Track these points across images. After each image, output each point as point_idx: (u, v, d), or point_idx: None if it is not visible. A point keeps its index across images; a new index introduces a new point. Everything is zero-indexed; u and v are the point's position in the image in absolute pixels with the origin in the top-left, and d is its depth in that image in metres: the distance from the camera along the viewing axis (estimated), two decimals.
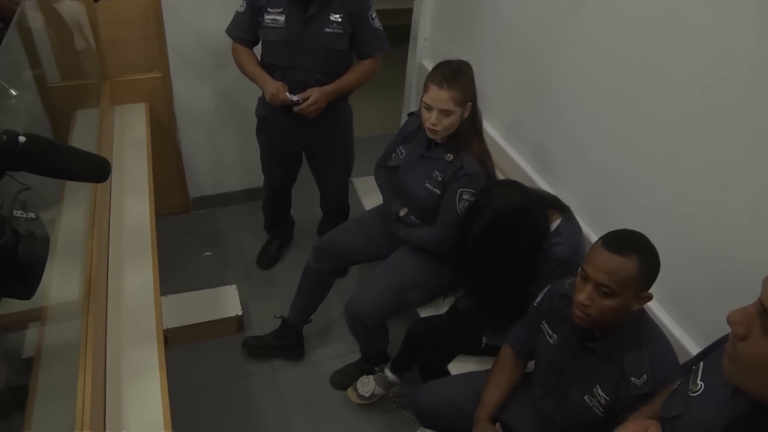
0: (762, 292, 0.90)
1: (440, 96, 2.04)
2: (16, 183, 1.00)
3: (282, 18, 2.43)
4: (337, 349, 2.87)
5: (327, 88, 2.49)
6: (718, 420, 1.07)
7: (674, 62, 1.71)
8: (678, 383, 1.28)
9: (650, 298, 1.52)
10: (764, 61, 1.45)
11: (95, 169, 1.19)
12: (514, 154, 2.58)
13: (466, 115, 2.10)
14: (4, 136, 0.96)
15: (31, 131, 1.06)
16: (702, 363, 1.23)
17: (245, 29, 2.53)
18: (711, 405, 1.12)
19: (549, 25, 2.25)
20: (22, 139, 0.98)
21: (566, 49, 2.17)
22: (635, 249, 1.47)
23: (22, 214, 1.01)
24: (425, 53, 3.25)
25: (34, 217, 1.02)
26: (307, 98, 2.44)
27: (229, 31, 2.57)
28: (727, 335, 1.23)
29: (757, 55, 1.47)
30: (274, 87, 2.45)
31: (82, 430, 1.37)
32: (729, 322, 0.94)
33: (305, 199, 3.39)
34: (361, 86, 2.64)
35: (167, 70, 3.03)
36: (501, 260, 1.98)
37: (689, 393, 1.19)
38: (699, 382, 1.19)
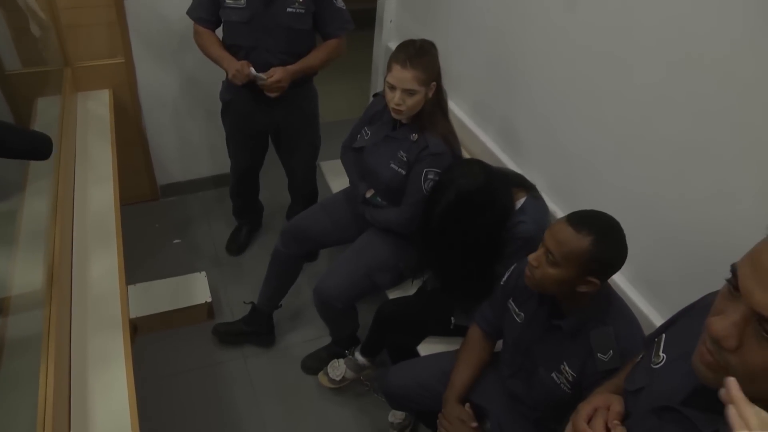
0: (755, 299, 0.83)
1: (403, 76, 2.03)
2: None
3: None
4: (307, 334, 2.87)
5: (291, 67, 2.48)
6: (680, 390, 1.07)
7: (641, 39, 1.71)
8: (641, 356, 1.29)
9: (596, 285, 1.50)
10: (731, 40, 1.46)
11: (36, 146, 1.17)
12: (481, 134, 2.58)
13: (430, 94, 2.09)
14: None
15: None
16: (664, 335, 1.24)
17: (207, 10, 2.51)
18: (673, 376, 1.12)
19: (515, 2, 2.24)
20: None
21: (532, 26, 2.17)
22: (594, 230, 1.46)
23: None
24: (391, 35, 3.23)
25: None
26: (272, 76, 2.43)
27: (191, 12, 2.54)
28: (691, 306, 1.25)
29: (724, 33, 1.47)
30: (238, 63, 2.44)
31: (44, 420, 1.36)
32: (717, 337, 0.88)
33: (274, 185, 3.37)
34: (326, 66, 2.63)
35: (130, 55, 2.99)
36: (465, 240, 1.98)
37: (652, 365, 1.19)
38: (661, 354, 1.19)
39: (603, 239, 1.47)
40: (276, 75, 2.43)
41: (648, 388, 1.17)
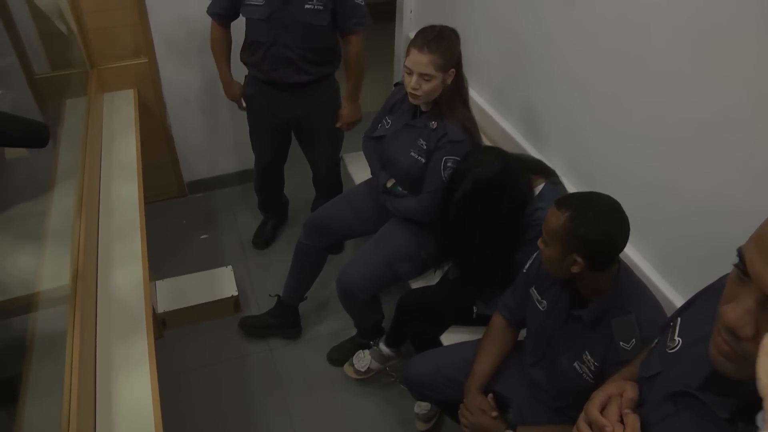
0: (766, 282, 0.79)
1: (420, 59, 2.02)
2: None
3: None
4: (333, 326, 2.88)
5: (347, 98, 2.77)
6: (697, 374, 1.05)
7: (655, 18, 1.69)
8: (656, 341, 1.28)
9: (581, 265, 1.48)
10: (749, 13, 1.43)
11: (33, 134, 1.19)
12: (501, 120, 2.56)
13: (448, 81, 2.08)
14: None
15: None
16: (679, 319, 1.22)
17: (222, 5, 2.56)
18: (689, 360, 1.10)
19: None
20: None
21: (551, 10, 2.14)
22: (572, 207, 1.47)
23: None
24: (412, 25, 3.22)
25: None
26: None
27: (209, 8, 2.61)
28: (706, 289, 1.22)
29: (745, 10, 1.44)
30: (234, 95, 2.84)
31: (70, 412, 1.39)
32: (731, 326, 0.85)
33: (299, 179, 3.40)
34: (363, 69, 2.74)
35: (153, 55, 3.03)
36: (484, 228, 1.97)
37: (667, 350, 1.16)
38: (677, 338, 1.16)
39: (579, 215, 1.46)
40: (343, 119, 2.80)
41: (663, 373, 1.15)
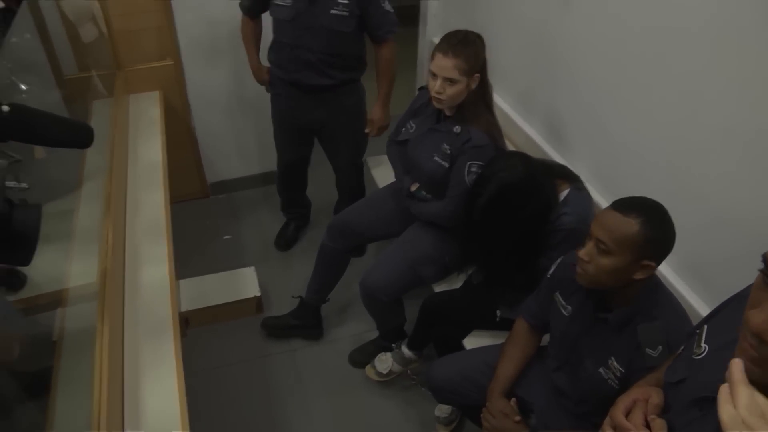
0: None
1: (444, 64, 2.03)
2: (8, 155, 1.03)
3: None
4: (355, 328, 2.89)
5: (379, 104, 2.79)
6: (722, 380, 1.06)
7: (680, 22, 1.68)
8: (682, 348, 1.27)
9: (653, 268, 1.49)
10: None
11: (78, 135, 1.21)
12: (526, 126, 2.56)
13: (473, 86, 2.09)
14: None
15: None
16: (706, 326, 1.22)
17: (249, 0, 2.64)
18: (715, 366, 1.09)
19: None
20: (5, 108, 1.00)
21: (574, 14, 2.14)
22: (641, 212, 1.44)
23: (14, 184, 1.04)
24: (436, 30, 3.23)
25: (26, 186, 1.05)
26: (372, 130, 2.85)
27: (240, 3, 2.68)
28: (734, 296, 1.22)
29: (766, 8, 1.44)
30: (258, 80, 2.87)
31: (99, 410, 1.41)
32: (757, 331, 0.86)
33: (322, 181, 3.41)
34: (395, 71, 2.74)
35: (178, 57, 3.07)
36: (508, 233, 1.97)
37: (693, 356, 1.17)
38: (703, 344, 1.16)
39: (652, 219, 1.45)
40: (374, 124, 2.82)
41: (689, 379, 1.15)
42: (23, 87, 1.79)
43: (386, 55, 2.65)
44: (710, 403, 1.05)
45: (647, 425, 1.15)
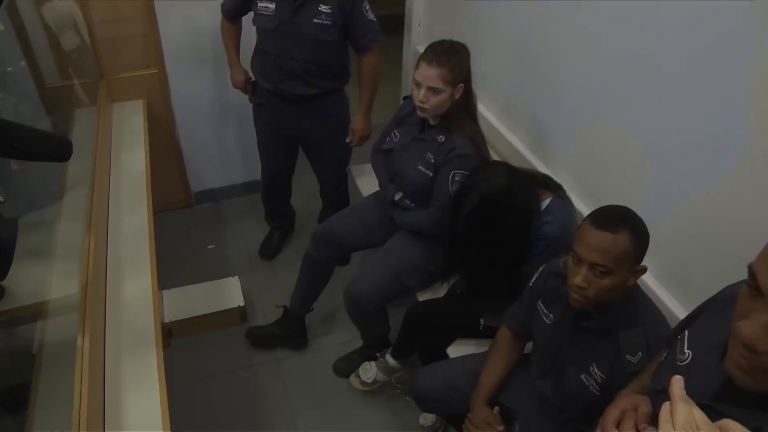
0: None
1: (428, 73, 2.04)
2: None
3: (272, 6, 2.47)
4: (339, 337, 2.88)
5: (361, 113, 2.75)
6: (710, 385, 1.06)
7: (660, 36, 1.70)
8: (665, 354, 1.28)
9: (644, 270, 1.51)
10: (751, 31, 1.44)
11: (56, 149, 1.20)
12: (509, 135, 2.57)
13: (457, 96, 2.10)
14: None
15: None
16: (687, 332, 1.23)
17: (231, 3, 2.65)
18: (701, 372, 1.11)
19: (539, 4, 2.23)
20: None
21: (556, 27, 2.16)
22: (624, 223, 1.45)
23: None
24: (420, 39, 3.25)
25: (2, 200, 1.04)
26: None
27: (222, 6, 2.69)
28: (710, 300, 1.24)
29: (744, 25, 1.46)
30: (238, 80, 2.78)
31: (79, 425, 1.39)
32: (748, 342, 0.87)
33: (306, 190, 3.41)
34: (377, 81, 2.73)
35: (163, 66, 3.05)
36: (490, 242, 1.98)
37: (677, 362, 1.17)
38: (686, 350, 1.17)
39: (634, 225, 1.47)
40: (355, 134, 2.78)
41: None
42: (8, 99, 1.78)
43: (369, 64, 2.66)
44: (701, 409, 1.06)
45: None
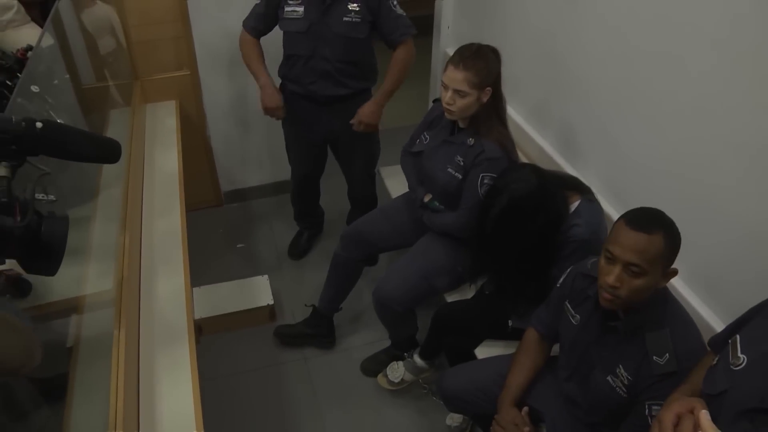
0: None
1: (455, 76, 2.05)
2: (36, 168, 1.06)
3: (301, 9, 2.49)
4: (367, 337, 2.90)
5: (374, 100, 2.67)
6: None
7: (693, 39, 1.69)
8: (716, 359, 1.27)
9: (676, 272, 1.51)
10: None
11: (107, 151, 1.24)
12: (538, 138, 2.57)
13: (484, 99, 2.10)
14: (23, 123, 1.02)
15: None
16: (738, 336, 1.22)
17: (255, 19, 2.63)
18: (758, 376, 1.12)
19: (568, 5, 2.23)
20: (39, 125, 1.03)
21: (585, 28, 2.16)
22: (659, 225, 1.46)
23: (43, 197, 1.07)
24: (449, 41, 3.25)
25: (54, 199, 1.08)
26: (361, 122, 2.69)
27: (245, 21, 2.67)
28: (763, 305, 1.25)
29: None
30: (273, 101, 2.66)
31: (116, 418, 1.43)
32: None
33: (335, 190, 3.42)
34: (406, 76, 2.69)
35: (195, 67, 3.11)
36: (519, 244, 1.98)
37: (732, 367, 1.17)
38: (740, 355, 1.18)
39: (668, 228, 1.47)
40: (357, 117, 2.67)
41: (732, 390, 1.16)
42: (48, 99, 1.83)
43: (401, 54, 2.64)
44: (762, 414, 1.07)
45: None
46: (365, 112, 2.68)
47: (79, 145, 1.15)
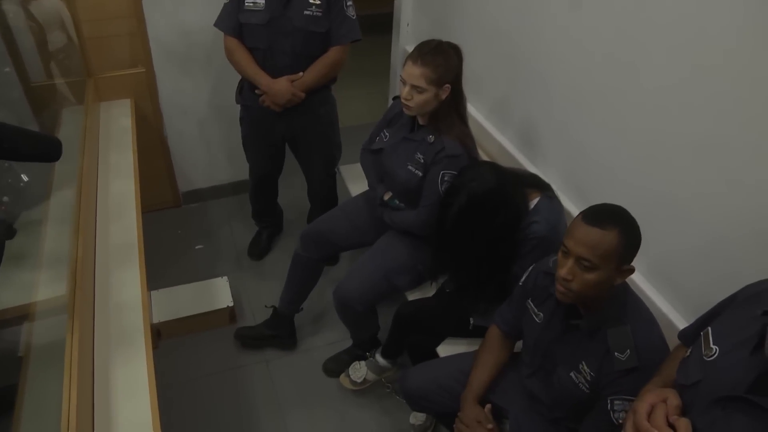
0: None
1: (412, 71, 2.04)
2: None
3: (262, 1, 2.45)
4: (329, 337, 2.88)
5: (289, 78, 2.55)
6: (742, 379, 1.10)
7: (650, 36, 1.72)
8: (689, 351, 1.29)
9: (632, 271, 1.52)
10: (742, 39, 1.46)
11: (46, 149, 1.20)
12: (499, 135, 2.58)
13: (443, 96, 2.09)
14: None
15: None
16: (710, 328, 1.25)
17: (230, 17, 2.54)
18: (731, 366, 1.14)
19: (528, 5, 2.25)
20: None
21: (544, 28, 2.18)
22: (615, 222, 1.47)
23: None
24: (409, 39, 3.25)
25: (6, 200, 1.04)
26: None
27: (219, 23, 2.56)
28: (731, 298, 1.28)
29: (732, 30, 1.47)
30: (284, 98, 2.55)
31: (68, 427, 1.38)
32: None
33: (294, 189, 3.40)
34: (328, 79, 2.64)
35: (151, 65, 3.04)
36: (479, 242, 1.99)
37: (705, 358, 1.20)
38: (713, 346, 1.20)
39: (625, 225, 1.48)
40: (269, 87, 2.54)
41: (705, 380, 1.18)
42: None
43: (334, 55, 2.58)
44: (734, 401, 1.10)
45: (670, 426, 1.16)
46: (274, 87, 2.56)
47: (14, 142, 1.11)
